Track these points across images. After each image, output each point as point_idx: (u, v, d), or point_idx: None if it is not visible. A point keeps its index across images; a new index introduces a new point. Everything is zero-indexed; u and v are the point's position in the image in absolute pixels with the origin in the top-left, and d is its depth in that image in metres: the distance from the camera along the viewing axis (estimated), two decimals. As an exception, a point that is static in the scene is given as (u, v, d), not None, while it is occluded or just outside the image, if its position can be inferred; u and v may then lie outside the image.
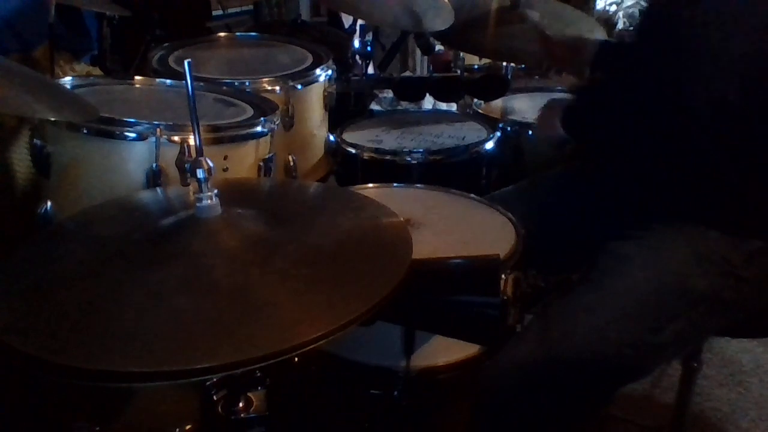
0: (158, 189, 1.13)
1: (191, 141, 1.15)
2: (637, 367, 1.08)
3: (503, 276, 1.04)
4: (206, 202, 0.85)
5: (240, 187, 1.07)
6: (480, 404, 1.05)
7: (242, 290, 0.76)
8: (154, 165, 1.15)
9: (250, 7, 3.11)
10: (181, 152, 0.99)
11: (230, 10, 2.99)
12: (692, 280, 1.06)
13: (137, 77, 1.47)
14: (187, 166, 0.87)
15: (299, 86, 1.56)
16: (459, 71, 2.23)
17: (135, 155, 1.16)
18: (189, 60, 0.82)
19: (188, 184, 0.88)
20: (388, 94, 2.29)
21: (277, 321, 0.72)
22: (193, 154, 0.86)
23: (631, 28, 3.33)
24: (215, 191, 0.85)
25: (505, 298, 1.05)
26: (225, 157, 1.21)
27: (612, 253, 1.11)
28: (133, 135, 1.15)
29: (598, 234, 1.18)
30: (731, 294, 1.07)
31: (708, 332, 1.19)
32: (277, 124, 1.33)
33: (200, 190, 0.85)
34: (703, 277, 1.06)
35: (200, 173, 0.84)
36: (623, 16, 3.59)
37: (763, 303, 1.12)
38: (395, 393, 1.10)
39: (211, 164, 0.85)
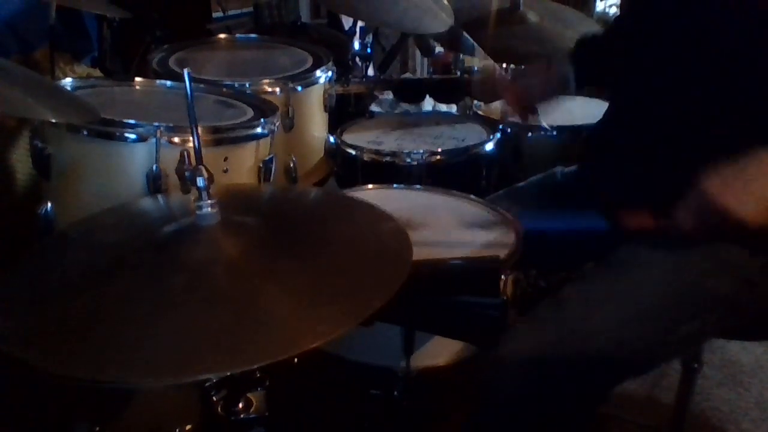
0: (159, 196, 1.13)
1: (191, 145, 1.16)
2: (645, 363, 1.09)
3: (503, 276, 1.04)
4: (206, 209, 0.85)
5: (240, 194, 1.07)
6: (484, 390, 1.04)
7: (243, 300, 0.76)
8: (154, 167, 1.15)
9: (250, 8, 3.11)
10: (182, 160, 1.00)
11: (230, 12, 2.98)
12: (712, 282, 1.06)
13: (137, 79, 1.47)
14: (187, 174, 0.87)
15: (299, 88, 1.56)
16: (459, 73, 2.22)
17: (135, 157, 1.16)
18: (188, 69, 0.83)
19: (189, 191, 0.88)
20: (388, 95, 2.29)
21: (278, 331, 0.72)
22: (193, 162, 0.85)
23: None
24: (215, 199, 0.85)
25: (506, 298, 1.05)
26: (225, 159, 1.22)
27: (628, 252, 1.11)
28: (133, 136, 1.16)
29: (599, 235, 1.18)
30: (746, 299, 1.07)
31: (717, 334, 1.19)
32: (277, 126, 1.33)
33: (200, 198, 0.85)
34: (722, 280, 1.06)
35: (200, 181, 0.84)
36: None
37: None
38: (395, 393, 1.10)
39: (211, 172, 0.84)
